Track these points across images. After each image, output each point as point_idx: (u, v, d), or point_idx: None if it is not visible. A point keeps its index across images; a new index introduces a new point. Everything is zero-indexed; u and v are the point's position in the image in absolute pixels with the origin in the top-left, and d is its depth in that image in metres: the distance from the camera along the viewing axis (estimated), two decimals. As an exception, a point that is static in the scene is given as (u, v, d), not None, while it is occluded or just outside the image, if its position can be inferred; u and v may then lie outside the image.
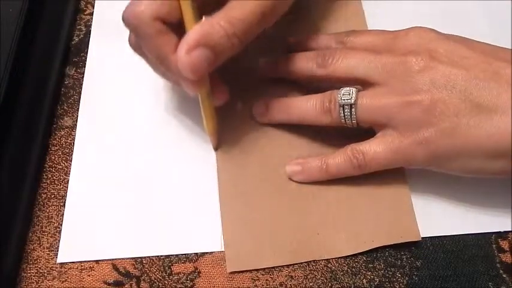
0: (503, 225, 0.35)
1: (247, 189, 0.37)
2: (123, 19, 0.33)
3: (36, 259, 0.35)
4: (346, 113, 0.35)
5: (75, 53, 0.44)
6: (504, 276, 0.34)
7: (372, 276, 0.34)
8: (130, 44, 0.36)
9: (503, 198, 0.36)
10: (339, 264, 0.35)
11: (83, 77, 0.42)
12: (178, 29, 0.32)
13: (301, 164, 0.37)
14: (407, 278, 0.34)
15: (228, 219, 0.36)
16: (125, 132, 0.40)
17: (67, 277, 0.34)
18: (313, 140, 0.38)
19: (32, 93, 0.39)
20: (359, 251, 0.34)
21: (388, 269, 0.34)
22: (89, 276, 0.34)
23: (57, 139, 0.39)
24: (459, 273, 0.34)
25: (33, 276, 0.34)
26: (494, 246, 0.35)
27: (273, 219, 0.36)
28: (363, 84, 0.35)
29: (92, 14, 0.45)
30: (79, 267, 0.35)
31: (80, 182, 0.38)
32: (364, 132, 0.36)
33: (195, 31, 0.31)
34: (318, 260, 0.35)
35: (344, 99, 0.34)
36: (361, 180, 0.36)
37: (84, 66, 0.43)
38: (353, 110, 0.34)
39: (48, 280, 0.34)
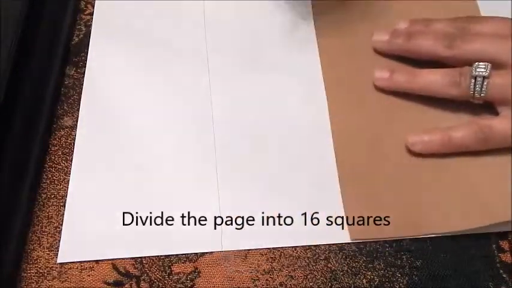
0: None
1: (365, 162, 0.37)
2: None
3: (36, 259, 0.35)
4: (477, 86, 0.36)
5: (75, 53, 0.44)
6: (504, 276, 0.34)
7: (372, 276, 0.34)
8: None
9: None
10: (339, 264, 0.35)
11: (83, 77, 0.42)
12: None
13: (424, 135, 0.37)
14: (407, 278, 0.34)
15: (348, 192, 0.36)
16: (125, 132, 0.40)
17: (67, 277, 0.34)
18: (432, 114, 0.39)
19: (32, 93, 0.39)
20: (473, 227, 0.35)
21: (388, 269, 0.34)
22: (89, 276, 0.34)
23: (57, 139, 0.39)
24: (459, 273, 0.34)
25: (33, 276, 0.34)
26: (494, 246, 0.35)
27: (392, 193, 0.36)
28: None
29: (92, 14, 0.46)
30: (79, 267, 0.35)
31: (80, 182, 0.38)
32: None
33: None
34: (318, 260, 0.35)
35: (479, 71, 0.35)
36: (479, 156, 0.37)
37: (84, 66, 0.43)
38: (485, 83, 0.35)
39: (48, 280, 0.34)
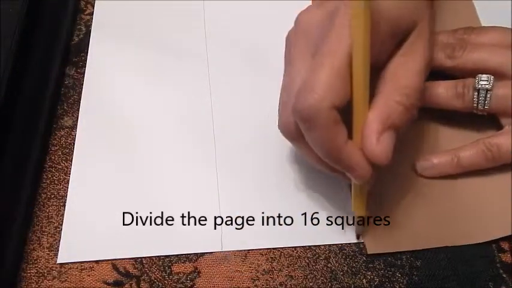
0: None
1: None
2: (295, 109, 0.29)
3: (36, 259, 0.35)
4: (480, 98, 0.35)
5: (75, 53, 0.44)
6: (504, 276, 0.34)
7: (372, 276, 0.34)
8: (287, 132, 0.33)
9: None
10: (339, 264, 0.35)
11: (83, 77, 0.42)
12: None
13: (431, 160, 0.37)
14: (407, 278, 0.34)
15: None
16: (125, 132, 0.40)
17: (67, 277, 0.34)
18: (438, 135, 0.39)
19: (32, 93, 0.39)
20: (491, 239, 0.35)
21: (388, 268, 0.34)
22: (89, 276, 0.34)
23: (57, 139, 0.39)
24: (459, 273, 0.34)
25: (33, 276, 0.34)
26: (494, 246, 0.35)
27: (406, 205, 0.36)
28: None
29: (92, 14, 0.46)
30: (79, 267, 0.35)
31: (80, 182, 0.38)
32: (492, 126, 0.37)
33: (375, 116, 0.30)
34: (318, 260, 0.35)
35: (482, 84, 0.35)
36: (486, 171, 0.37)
37: (84, 66, 0.43)
38: (488, 95, 0.35)
39: (48, 280, 0.34)
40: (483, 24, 0.43)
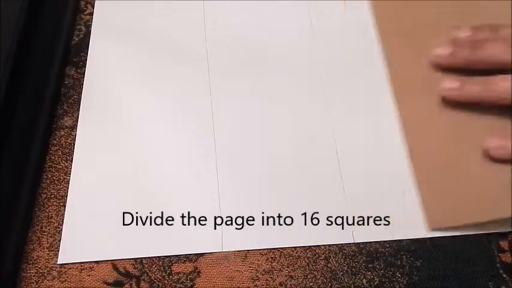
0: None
1: (440, 146, 0.36)
2: None
3: (36, 259, 0.35)
4: None
5: (75, 53, 0.44)
6: (504, 276, 0.34)
7: (372, 276, 0.34)
8: None
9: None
10: (339, 264, 0.35)
11: (83, 77, 0.42)
12: None
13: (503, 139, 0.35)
14: (407, 278, 0.34)
15: (424, 180, 0.36)
16: (125, 132, 0.40)
17: (67, 277, 0.34)
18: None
19: (32, 93, 0.39)
20: None
21: (388, 269, 0.34)
22: (89, 276, 0.34)
23: (57, 139, 0.40)
24: (459, 273, 0.34)
25: (33, 276, 0.34)
26: (494, 246, 0.35)
27: (467, 177, 0.35)
28: None
29: (92, 14, 0.46)
30: (79, 267, 0.35)
31: (80, 182, 0.38)
32: None
33: None
34: (318, 260, 0.35)
35: None
36: None
37: (84, 66, 0.43)
38: None
39: (48, 280, 0.34)
40: None
